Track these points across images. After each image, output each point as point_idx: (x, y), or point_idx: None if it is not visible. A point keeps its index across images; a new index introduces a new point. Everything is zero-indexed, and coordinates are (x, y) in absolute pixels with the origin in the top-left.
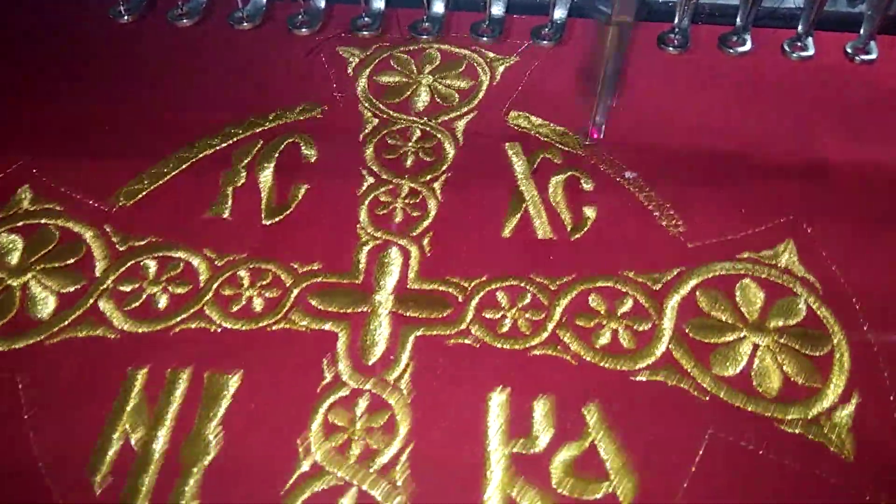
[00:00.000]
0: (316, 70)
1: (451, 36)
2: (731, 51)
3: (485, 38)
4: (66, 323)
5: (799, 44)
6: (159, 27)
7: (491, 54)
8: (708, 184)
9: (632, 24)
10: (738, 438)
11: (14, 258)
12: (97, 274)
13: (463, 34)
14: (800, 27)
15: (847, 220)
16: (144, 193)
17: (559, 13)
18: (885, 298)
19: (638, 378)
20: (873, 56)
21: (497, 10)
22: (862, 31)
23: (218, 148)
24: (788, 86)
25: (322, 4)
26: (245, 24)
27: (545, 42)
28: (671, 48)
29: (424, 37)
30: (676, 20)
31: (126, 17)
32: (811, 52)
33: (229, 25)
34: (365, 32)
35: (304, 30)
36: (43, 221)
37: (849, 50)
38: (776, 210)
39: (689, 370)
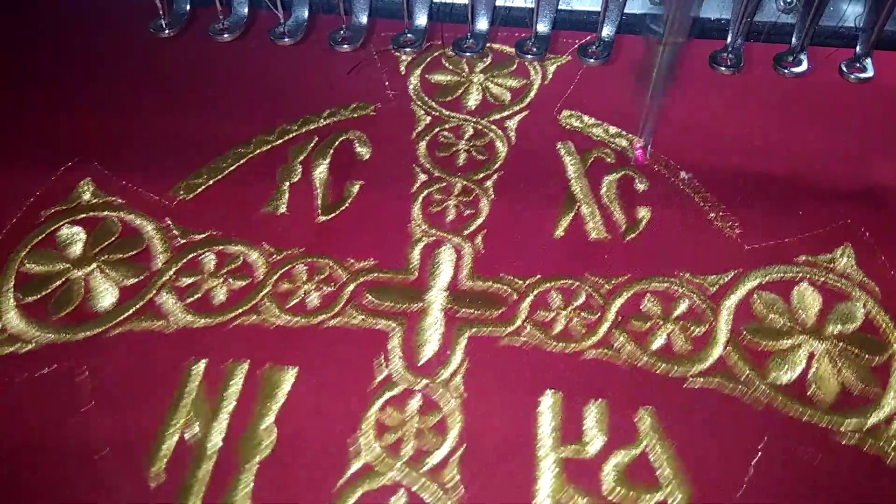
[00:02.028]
0: (369, 68)
1: (502, 35)
2: (787, 71)
3: (529, 56)
4: (127, 315)
5: (857, 65)
6: (200, 41)
7: (529, 55)
8: (764, 187)
9: (683, 43)
10: (793, 448)
11: (76, 250)
12: (158, 266)
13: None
14: (858, 48)
15: None
16: (203, 188)
17: (607, 31)
18: None
19: (692, 384)
20: None
21: (543, 27)
22: None
23: (274, 144)
24: (846, 107)
25: (364, 21)
26: (286, 39)
27: (592, 60)
28: (723, 68)
29: (468, 54)
30: (730, 39)
31: (167, 32)
32: (870, 73)
33: (270, 41)
34: (408, 49)
35: (345, 46)
36: (104, 214)
37: None
38: (834, 214)
39: (743, 376)
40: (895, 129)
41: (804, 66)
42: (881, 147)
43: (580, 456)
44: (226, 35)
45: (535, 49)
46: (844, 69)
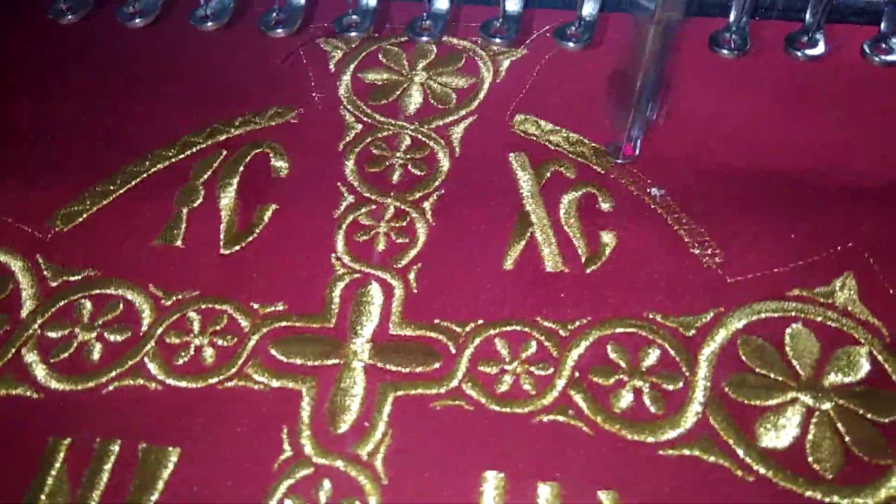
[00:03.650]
0: (292, 66)
1: (452, 25)
2: (800, 53)
3: (498, 39)
4: None
5: (884, 45)
6: (109, 27)
7: (495, 47)
8: (752, 203)
9: (679, 21)
10: None
11: None
12: (23, 316)
13: (470, 26)
14: (883, 24)
15: None
16: (86, 216)
17: (589, 8)
18: None
19: (667, 452)
20: None
21: (513, 5)
22: None
23: (174, 160)
24: (867, 95)
25: (302, 1)
26: (210, 23)
27: (572, 43)
28: (726, 50)
29: (424, 38)
30: (733, 17)
31: (70, 17)
32: None
33: (191, 25)
34: (353, 33)
35: (279, 30)
36: None
37: None
38: (834, 235)
39: (729, 442)
40: None
41: (821, 48)
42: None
43: None
44: (138, 19)
45: (504, 30)
46: (868, 50)
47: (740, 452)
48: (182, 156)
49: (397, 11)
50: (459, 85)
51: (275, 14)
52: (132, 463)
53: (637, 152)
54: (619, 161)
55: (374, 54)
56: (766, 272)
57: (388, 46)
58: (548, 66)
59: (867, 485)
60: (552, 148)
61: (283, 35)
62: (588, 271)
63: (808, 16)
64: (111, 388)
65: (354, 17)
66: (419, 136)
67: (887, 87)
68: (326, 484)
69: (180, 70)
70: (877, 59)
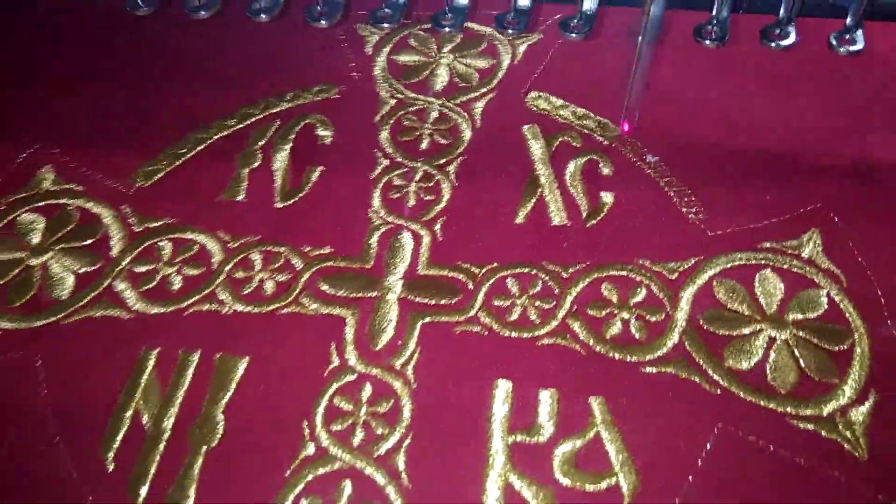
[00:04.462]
0: (334, 49)
1: (474, 13)
2: (774, 44)
3: (510, 31)
4: (83, 303)
5: (847, 37)
6: (176, 18)
7: (509, 30)
8: (733, 171)
9: (663, 12)
10: (747, 434)
11: (35, 238)
12: (114, 254)
13: (490, 14)
14: (849, 19)
15: (879, 212)
16: (162, 174)
17: (588, 4)
18: None
19: (647, 370)
20: None
21: (524, 1)
22: None
23: (235, 129)
24: (835, 81)
25: None
26: (263, 15)
27: (574, 35)
28: (708, 41)
29: (447, 29)
30: (714, 11)
31: (144, 9)
32: (861, 45)
33: (247, 18)
34: (385, 25)
35: (322, 22)
36: (63, 202)
37: None
38: (804, 198)
39: (700, 363)
40: (883, 105)
41: (792, 39)
42: (866, 125)
43: (532, 441)
44: (202, 12)
45: (515, 23)
46: (834, 42)
47: (710, 371)
48: (242, 125)
49: (424, 3)
50: (481, 66)
51: (318, 7)
52: (209, 369)
53: (634, 127)
54: (616, 135)
55: (406, 39)
56: (742, 227)
57: (417, 32)
58: (560, 50)
59: (815, 398)
60: (561, 121)
61: (326, 26)
62: (588, 225)
63: (781, 10)
64: (190, 311)
65: (387, 10)
66: (445, 110)
67: (851, 73)
68: (367, 387)
69: (239, 54)
70: (842, 49)
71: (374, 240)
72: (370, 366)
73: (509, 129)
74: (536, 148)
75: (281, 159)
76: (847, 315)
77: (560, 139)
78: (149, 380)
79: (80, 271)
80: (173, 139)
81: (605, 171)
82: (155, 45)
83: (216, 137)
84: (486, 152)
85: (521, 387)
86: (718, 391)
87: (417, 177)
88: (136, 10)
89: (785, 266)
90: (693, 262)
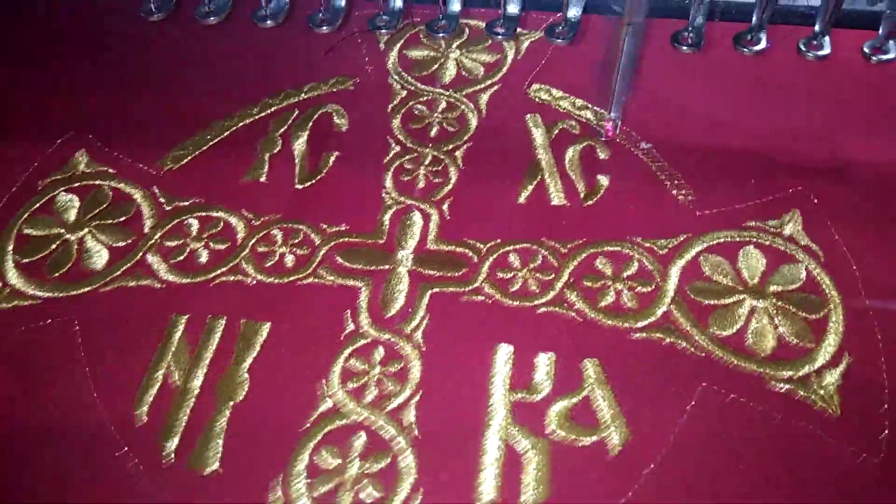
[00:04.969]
0: (350, 46)
1: (479, 11)
2: (746, 50)
3: (499, 36)
4: (118, 273)
5: (815, 42)
6: (185, 24)
7: (499, 36)
8: (720, 159)
9: (643, 23)
10: (729, 392)
11: (71, 215)
12: (146, 230)
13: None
14: (816, 26)
15: (855, 193)
16: (189, 158)
17: (573, 12)
18: (886, 268)
19: (637, 336)
20: (892, 56)
21: (513, 8)
22: (880, 31)
23: (256, 117)
24: (804, 84)
25: (342, 3)
26: (269, 21)
27: (559, 40)
28: (685, 47)
29: (441, 35)
30: (691, 18)
31: (157, 14)
32: (827, 51)
33: (253, 23)
34: (383, 31)
35: (324, 28)
36: (97, 182)
37: (866, 49)
38: (785, 183)
39: (686, 329)
40: (850, 105)
41: (763, 45)
42: (836, 122)
43: (528, 400)
44: (212, 18)
45: (504, 30)
46: (802, 47)
47: (695, 336)
48: (263, 114)
49: (419, 11)
50: (487, 60)
51: (320, 14)
52: (235, 333)
53: (617, 133)
54: (602, 140)
55: (417, 36)
56: (728, 208)
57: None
58: (560, 47)
59: (791, 361)
60: (561, 111)
61: (327, 32)
62: (585, 205)
63: (753, 18)
64: (217, 282)
65: (385, 17)
66: (453, 101)
67: (817, 75)
68: (380, 349)
69: (257, 54)
70: (810, 54)
71: (386, 218)
72: (382, 331)
73: (513, 118)
74: (538, 135)
75: (300, 145)
76: (824, 287)
77: (560, 127)
78: (179, 343)
79: (114, 245)
80: (198, 127)
81: (602, 156)
82: (178, 48)
83: (239, 125)
84: (490, 139)
85: (521, 350)
86: (702, 354)
87: (426, 161)
88: (150, 15)
89: (767, 243)
90: (682, 238)
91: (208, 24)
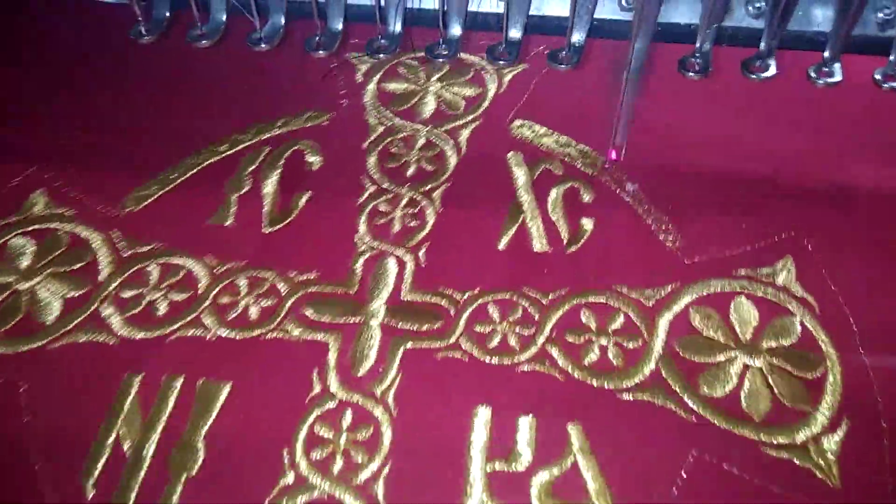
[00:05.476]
0: (325, 77)
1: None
2: (754, 76)
3: (501, 62)
4: (69, 328)
5: (825, 69)
6: (173, 45)
7: (501, 61)
8: (710, 199)
9: (647, 46)
10: (722, 461)
11: (25, 262)
12: (101, 279)
13: (479, 44)
14: (826, 52)
15: (852, 239)
16: (152, 199)
17: (577, 36)
18: (884, 322)
19: (624, 397)
20: None
21: (515, 33)
22: (891, 57)
23: (224, 155)
24: (813, 111)
25: (340, 27)
26: (263, 45)
27: (563, 66)
28: (692, 73)
29: (440, 60)
30: (698, 44)
31: (147, 37)
32: (838, 77)
33: (248, 47)
34: (381, 55)
35: (321, 52)
36: (54, 226)
37: (877, 77)
38: (779, 226)
39: (676, 390)
40: (859, 135)
41: (772, 71)
42: (842, 153)
43: (510, 469)
44: (204, 41)
45: (507, 55)
46: (812, 74)
47: (686, 398)
48: (231, 151)
49: (418, 35)
50: (468, 94)
51: (317, 38)
52: (191, 395)
53: (622, 157)
54: (606, 166)
55: (396, 68)
56: (718, 255)
57: (408, 61)
58: (544, 79)
59: (788, 426)
60: (543, 149)
61: (324, 56)
62: (568, 252)
63: (762, 43)
64: (174, 336)
65: (383, 41)
66: (432, 137)
67: (827, 104)
68: (348, 414)
69: (231, 81)
70: (820, 81)
71: (359, 265)
72: (351, 392)
73: (493, 156)
74: (519, 175)
75: (270, 185)
76: (820, 342)
77: (542, 166)
78: (131, 406)
79: (67, 296)
80: (165, 164)
81: (586, 198)
82: (150, 71)
83: (206, 163)
84: (470, 179)
85: (501, 414)
86: (693, 418)
87: (403, 203)
88: (140, 38)
89: (759, 293)
90: (670, 289)
91: (200, 47)
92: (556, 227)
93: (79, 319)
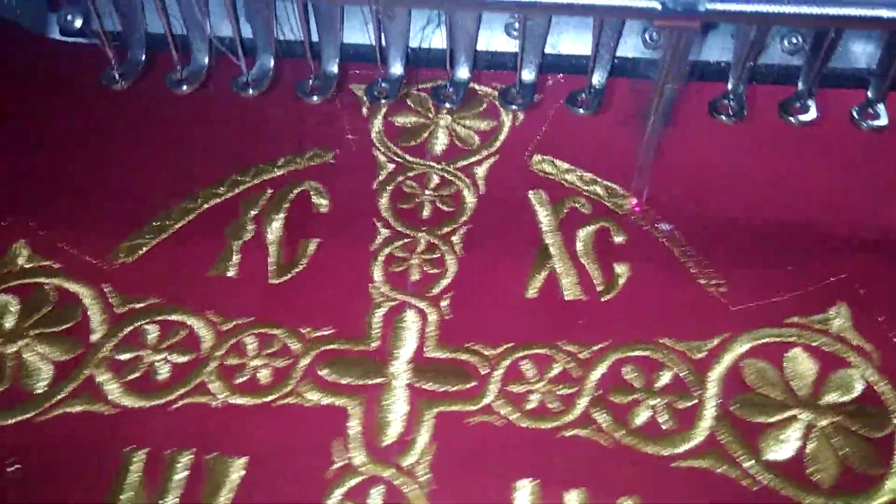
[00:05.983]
0: (329, 111)
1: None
2: (793, 119)
3: (514, 107)
4: (61, 396)
5: (870, 111)
6: (146, 93)
7: (513, 106)
8: (753, 239)
9: (680, 87)
10: None
11: (8, 322)
12: (94, 340)
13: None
14: (870, 92)
15: None
16: (146, 249)
17: (598, 77)
18: None
19: (680, 464)
20: None
21: (528, 74)
22: None
23: (224, 198)
24: (857, 151)
25: (335, 70)
26: (251, 90)
27: (582, 110)
28: (724, 117)
29: (447, 106)
30: (731, 85)
31: (121, 83)
32: (884, 121)
33: (222, 93)
34: (382, 101)
35: (315, 98)
36: (40, 280)
37: None
38: (827, 269)
39: (735, 455)
40: None
41: (813, 114)
42: (887, 197)
43: None
44: (184, 86)
45: (520, 99)
46: (856, 115)
47: (746, 464)
48: (231, 194)
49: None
50: (481, 127)
51: (310, 81)
52: (202, 471)
53: (643, 201)
54: (632, 218)
55: (402, 99)
56: (766, 301)
57: (414, 92)
58: (563, 110)
59: (861, 493)
60: (567, 185)
61: (318, 102)
62: (604, 300)
63: (800, 83)
64: (179, 404)
65: (384, 84)
66: (446, 175)
67: (872, 147)
68: (380, 489)
69: (227, 119)
70: (864, 124)
71: (376, 318)
72: (379, 465)
73: (514, 194)
74: (544, 215)
75: (274, 231)
76: (883, 397)
77: (568, 205)
78: (137, 485)
79: (58, 360)
80: (158, 210)
81: (618, 239)
82: (139, 113)
83: (205, 207)
84: (491, 220)
85: (545, 487)
86: (757, 487)
87: (420, 248)
88: (113, 84)
89: (815, 343)
90: (717, 340)
91: (180, 93)
92: (588, 273)
93: (71, 387)
